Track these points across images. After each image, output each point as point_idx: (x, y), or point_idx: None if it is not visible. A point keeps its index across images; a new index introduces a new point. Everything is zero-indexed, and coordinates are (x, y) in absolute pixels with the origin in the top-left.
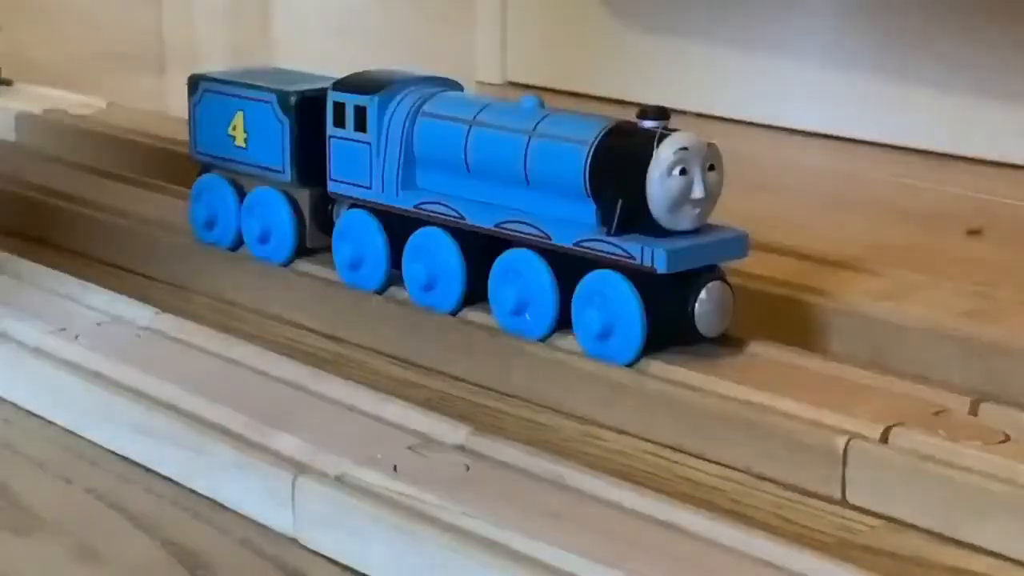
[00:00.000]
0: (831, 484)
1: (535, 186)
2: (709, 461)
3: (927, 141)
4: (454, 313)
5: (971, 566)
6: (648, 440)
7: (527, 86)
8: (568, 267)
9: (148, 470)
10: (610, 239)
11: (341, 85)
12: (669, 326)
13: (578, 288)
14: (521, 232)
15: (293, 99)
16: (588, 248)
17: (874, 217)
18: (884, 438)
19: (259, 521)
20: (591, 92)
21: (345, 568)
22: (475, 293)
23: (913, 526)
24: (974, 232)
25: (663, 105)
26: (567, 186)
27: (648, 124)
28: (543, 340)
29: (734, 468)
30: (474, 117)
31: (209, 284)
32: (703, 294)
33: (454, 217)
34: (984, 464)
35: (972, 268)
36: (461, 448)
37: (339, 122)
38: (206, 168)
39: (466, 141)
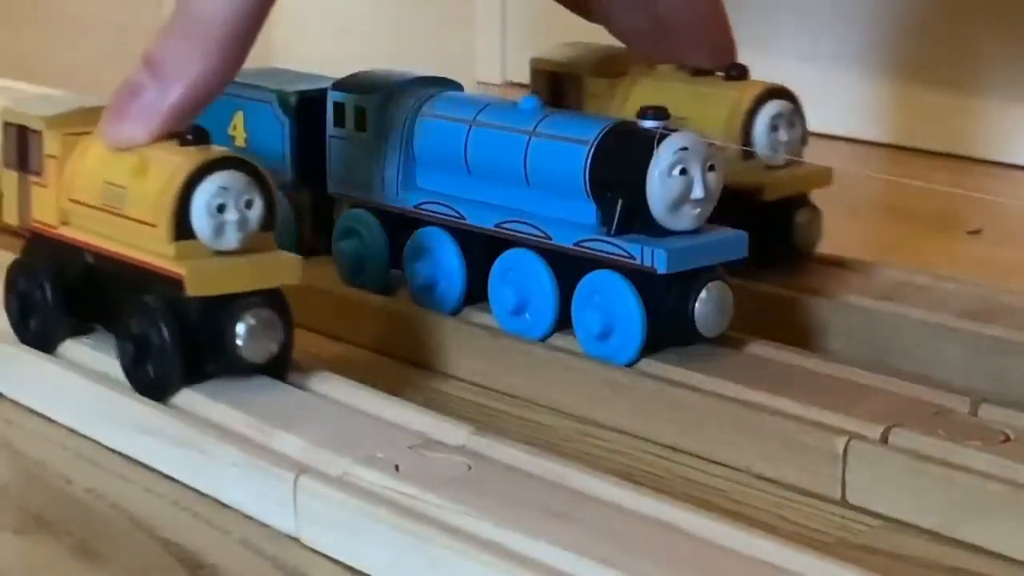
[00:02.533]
0: (831, 484)
1: (535, 186)
2: (708, 461)
3: (927, 141)
4: (454, 313)
5: (971, 566)
6: (648, 440)
7: (527, 86)
8: (568, 267)
9: (149, 469)
10: (610, 239)
11: (341, 85)
12: (669, 326)
13: (578, 288)
14: (521, 232)
15: (293, 99)
16: (588, 248)
17: (874, 217)
18: (884, 438)
19: (260, 521)
20: None
21: (346, 568)
22: (475, 293)
23: (913, 526)
24: (974, 232)
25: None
26: (567, 186)
27: (648, 124)
28: (543, 340)
29: (734, 468)
30: (474, 117)
31: None
32: (703, 294)
33: (454, 217)
34: (984, 464)
35: (972, 268)
36: (462, 448)
37: (339, 122)
38: None
39: (466, 141)
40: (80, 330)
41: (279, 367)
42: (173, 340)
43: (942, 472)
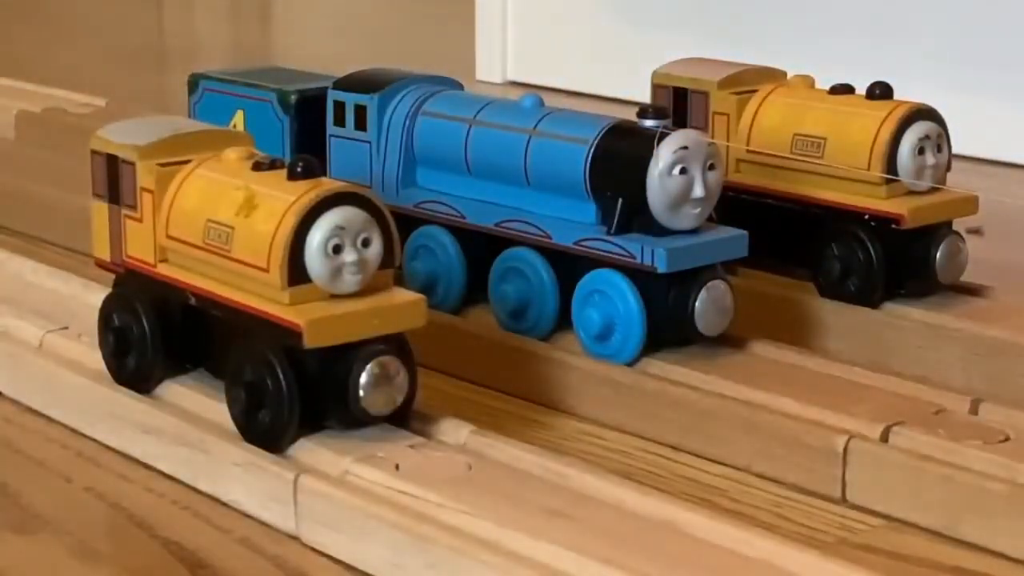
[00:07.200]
0: (831, 484)
1: (535, 185)
2: (709, 460)
3: None
4: (454, 313)
5: (971, 566)
6: (648, 439)
7: (527, 85)
8: (568, 266)
9: (149, 468)
10: (610, 238)
11: (341, 84)
12: (669, 326)
13: (578, 287)
14: (521, 231)
15: (293, 98)
16: (588, 247)
17: None
18: (884, 438)
19: (260, 520)
20: (591, 92)
21: (346, 567)
22: (475, 292)
23: (913, 526)
24: (974, 232)
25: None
26: (567, 185)
27: (648, 123)
28: (543, 340)
29: (734, 468)
30: (474, 116)
31: None
32: (703, 293)
33: (454, 216)
34: (984, 464)
35: (972, 268)
36: (462, 447)
37: (339, 121)
38: None
39: (466, 140)
40: (178, 371)
41: (401, 416)
42: (290, 388)
43: (942, 472)
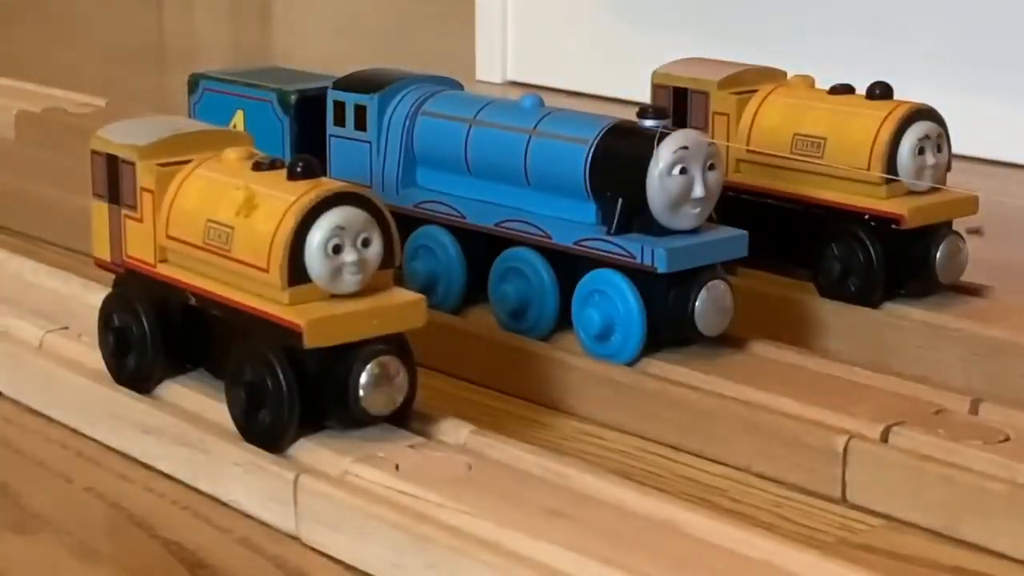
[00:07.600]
0: (831, 484)
1: (535, 185)
2: (709, 460)
3: None
4: (454, 313)
5: (971, 566)
6: (648, 439)
7: (527, 85)
8: (568, 266)
9: (149, 468)
10: (610, 238)
11: (341, 84)
12: (669, 325)
13: (578, 287)
14: (521, 231)
15: (293, 98)
16: (588, 247)
17: None
18: (884, 438)
19: (260, 520)
20: (591, 92)
21: (346, 567)
22: (475, 292)
23: (913, 526)
24: (974, 232)
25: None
26: (567, 185)
27: (648, 123)
28: (543, 340)
29: (734, 468)
30: (474, 116)
31: None
32: (703, 293)
33: (454, 216)
34: (984, 464)
35: (972, 268)
36: (462, 447)
37: (339, 121)
38: None
39: (466, 140)
40: (178, 371)
41: (401, 416)
42: (290, 388)
43: (942, 472)
